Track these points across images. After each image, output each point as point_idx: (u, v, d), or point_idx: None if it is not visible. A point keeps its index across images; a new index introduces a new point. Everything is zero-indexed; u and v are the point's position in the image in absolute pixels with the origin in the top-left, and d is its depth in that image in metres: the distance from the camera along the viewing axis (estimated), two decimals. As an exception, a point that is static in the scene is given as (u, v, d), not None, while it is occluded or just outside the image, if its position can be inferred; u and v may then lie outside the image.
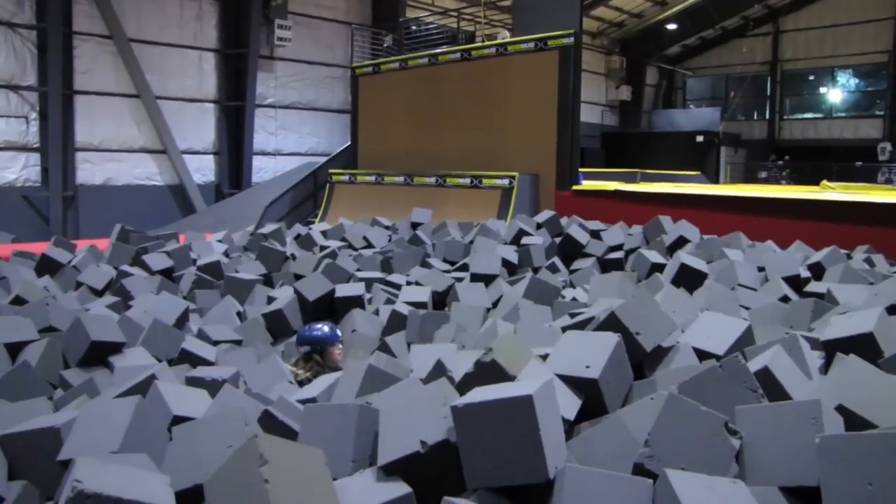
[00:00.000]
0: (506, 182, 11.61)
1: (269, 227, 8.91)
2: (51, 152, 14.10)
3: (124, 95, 15.53)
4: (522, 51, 12.21)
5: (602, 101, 27.80)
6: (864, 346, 2.91)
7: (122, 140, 15.62)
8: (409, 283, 6.37)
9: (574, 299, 5.41)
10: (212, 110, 17.14)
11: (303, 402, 2.97)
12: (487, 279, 6.23)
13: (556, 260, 7.15)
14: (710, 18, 27.38)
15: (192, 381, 3.55)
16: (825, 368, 2.99)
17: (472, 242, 7.75)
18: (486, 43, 13.73)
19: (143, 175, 16.04)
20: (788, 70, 28.27)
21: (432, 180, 12.57)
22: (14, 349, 4.36)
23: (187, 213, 16.33)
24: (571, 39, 11.55)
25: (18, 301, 5.34)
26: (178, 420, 2.65)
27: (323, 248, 7.94)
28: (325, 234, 8.80)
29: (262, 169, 18.00)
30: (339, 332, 4.60)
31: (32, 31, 13.94)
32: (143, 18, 15.65)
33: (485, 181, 11.90)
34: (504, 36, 14.64)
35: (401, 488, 2.05)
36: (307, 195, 15.50)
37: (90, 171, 15.18)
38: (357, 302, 5.71)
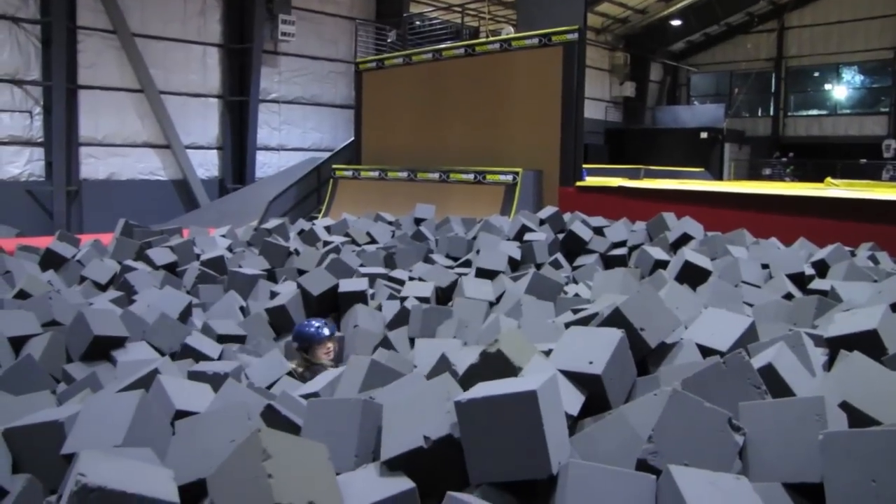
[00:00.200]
0: (509, 178, 11.60)
1: (272, 223, 8.92)
2: (55, 147, 14.13)
3: (128, 90, 15.55)
4: (526, 46, 12.19)
5: (606, 97, 27.76)
6: (867, 343, 2.90)
7: (126, 135, 15.64)
8: (412, 279, 6.37)
9: (577, 296, 5.41)
10: (215, 105, 17.15)
11: (306, 396, 2.98)
12: (493, 275, 6.23)
13: (559, 256, 7.15)
14: (714, 14, 27.32)
15: (195, 376, 3.55)
16: (829, 365, 2.99)
17: (475, 238, 7.75)
18: (490, 38, 13.71)
19: (146, 170, 16.06)
20: (793, 67, 28.21)
21: (436, 176, 12.57)
22: (17, 343, 4.37)
23: (191, 208, 16.35)
24: (575, 35, 11.53)
25: (22, 295, 5.35)
26: (181, 414, 2.65)
27: (326, 243, 7.94)
28: (328, 229, 8.80)
29: (266, 164, 18.01)
30: (326, 332, 4.58)
31: (36, 26, 13.95)
32: (147, 13, 15.65)
33: (488, 177, 11.89)
34: (508, 31, 14.61)
35: (404, 483, 2.05)
36: (310, 190, 15.52)
37: (94, 165, 15.20)
38: (360, 297, 5.71)
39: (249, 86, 17.00)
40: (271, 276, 6.87)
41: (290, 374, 4.09)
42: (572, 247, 7.56)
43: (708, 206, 9.55)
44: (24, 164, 14.15)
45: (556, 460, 2.00)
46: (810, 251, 6.58)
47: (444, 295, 6.04)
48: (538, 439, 1.98)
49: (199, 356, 4.40)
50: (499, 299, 5.51)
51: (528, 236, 7.63)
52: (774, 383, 2.49)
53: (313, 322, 4.68)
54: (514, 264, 6.94)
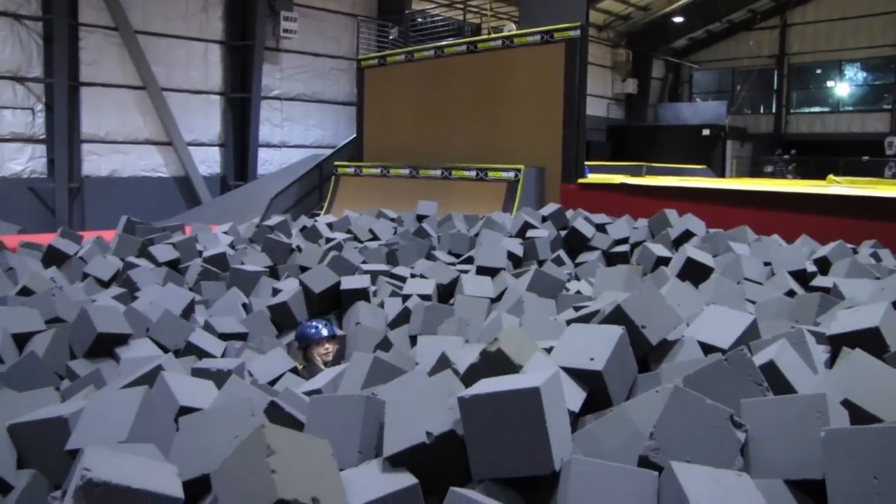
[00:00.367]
0: (511, 175, 11.59)
1: (274, 219, 8.92)
2: (57, 144, 14.15)
3: (130, 87, 15.56)
4: (528, 43, 12.17)
5: (608, 94, 27.74)
6: (870, 340, 2.90)
7: (128, 132, 15.65)
8: (414, 276, 6.38)
9: (578, 292, 5.41)
10: (217, 102, 17.16)
11: (309, 393, 2.99)
12: (493, 272, 6.23)
13: (562, 253, 7.15)
14: (717, 11, 27.29)
15: (199, 373, 3.56)
16: (830, 363, 2.99)
17: (477, 235, 7.74)
18: (492, 35, 13.69)
19: (148, 167, 16.07)
20: (795, 63, 28.16)
21: (438, 173, 12.56)
22: (21, 339, 4.38)
23: (193, 204, 16.36)
24: (578, 32, 11.52)
25: (25, 292, 5.36)
26: (185, 410, 2.66)
27: (328, 240, 7.94)
28: (330, 226, 8.80)
29: (268, 161, 18.01)
30: (325, 332, 4.61)
31: (38, 23, 13.96)
32: (149, 10, 15.66)
33: (490, 174, 11.89)
34: (510, 28, 14.61)
35: (406, 479, 2.05)
36: (312, 187, 15.53)
37: (96, 162, 15.22)
38: (362, 294, 5.72)
39: (251, 83, 17.01)
40: (273, 273, 6.88)
41: (294, 371, 4.12)
42: (574, 244, 7.56)
43: (710, 204, 9.55)
44: (27, 161, 14.16)
45: (558, 457, 2.01)
46: (812, 248, 6.58)
47: (447, 292, 6.04)
48: (541, 436, 1.99)
49: (203, 353, 4.41)
50: (500, 296, 5.52)
51: (530, 233, 7.63)
52: (776, 380, 2.50)
53: (314, 322, 4.72)
54: (515, 261, 6.94)
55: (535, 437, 2.00)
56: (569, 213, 8.54)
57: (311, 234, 8.32)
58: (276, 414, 2.56)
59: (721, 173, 23.10)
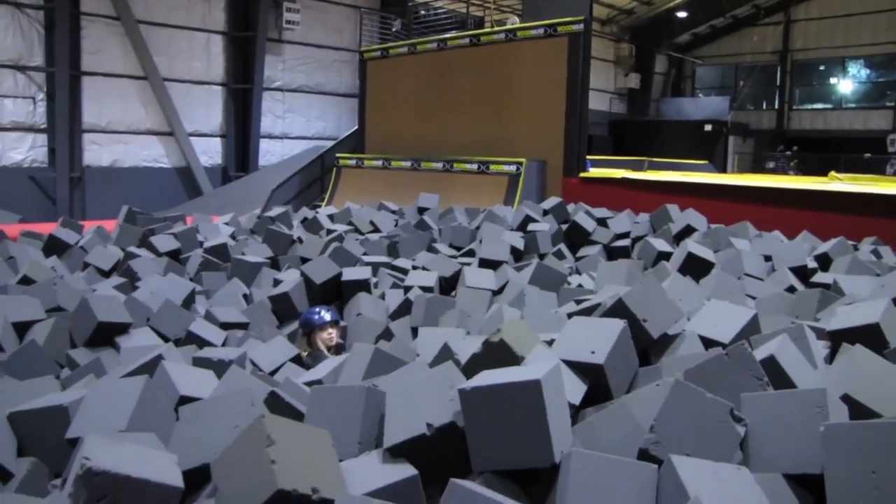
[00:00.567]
0: (513, 168, 11.59)
1: (275, 211, 8.92)
2: (58, 133, 14.13)
3: (132, 77, 15.53)
4: (532, 37, 12.16)
5: (610, 88, 27.67)
6: (870, 336, 2.90)
7: (130, 122, 15.63)
8: (415, 268, 6.38)
9: (580, 286, 5.41)
10: (219, 93, 17.13)
11: (309, 384, 2.99)
12: (496, 265, 6.23)
13: (563, 247, 7.15)
14: (720, 7, 27.19)
15: (199, 362, 3.56)
16: (830, 358, 2.99)
17: (478, 228, 7.75)
18: (496, 28, 13.66)
19: (150, 157, 16.06)
20: (799, 60, 28.08)
21: (439, 165, 12.56)
22: (22, 328, 4.40)
23: (194, 195, 16.35)
24: (581, 26, 11.50)
25: (26, 281, 5.37)
26: (185, 400, 2.67)
27: (330, 231, 7.94)
28: (331, 217, 8.80)
29: (269, 152, 17.99)
30: (328, 317, 4.63)
31: (40, 12, 13.92)
32: (152, 0, 15.62)
33: (492, 167, 11.88)
34: (513, 21, 14.58)
35: (407, 470, 2.06)
36: (314, 179, 15.53)
37: (97, 152, 15.21)
38: (363, 286, 5.72)
39: (253, 74, 16.97)
40: (274, 264, 6.88)
41: (298, 357, 4.14)
42: (576, 237, 7.56)
43: (711, 199, 9.55)
44: (27, 151, 14.15)
45: (558, 449, 2.01)
46: (813, 244, 6.58)
47: (448, 284, 6.05)
48: (541, 428, 1.99)
49: (203, 343, 4.41)
50: (502, 289, 5.52)
51: (531, 226, 7.64)
52: (776, 375, 2.50)
53: (317, 308, 4.74)
54: (517, 254, 6.94)
55: (536, 430, 2.00)
56: (570, 207, 8.53)
57: (312, 225, 8.32)
58: (276, 404, 2.56)
59: (723, 169, 23.08)
